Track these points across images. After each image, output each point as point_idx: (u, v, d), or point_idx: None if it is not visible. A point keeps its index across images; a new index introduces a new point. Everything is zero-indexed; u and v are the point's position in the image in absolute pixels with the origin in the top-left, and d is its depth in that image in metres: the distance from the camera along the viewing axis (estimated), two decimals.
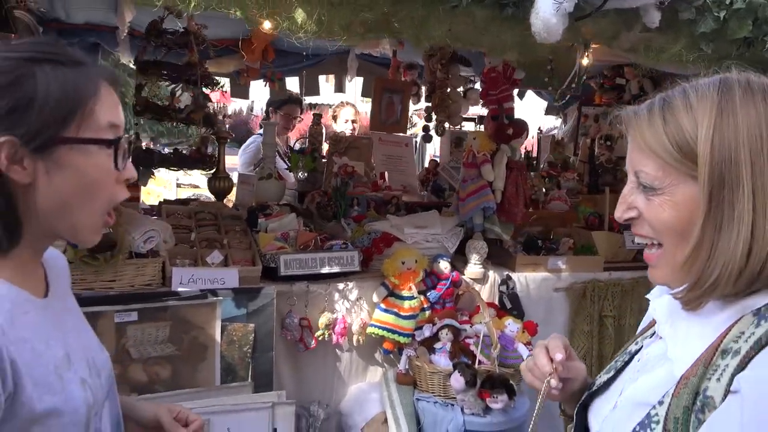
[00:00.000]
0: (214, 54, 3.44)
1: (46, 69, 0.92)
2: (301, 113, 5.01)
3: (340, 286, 2.63)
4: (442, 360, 2.54)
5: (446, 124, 4.05)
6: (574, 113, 5.21)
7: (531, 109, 5.97)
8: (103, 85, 0.98)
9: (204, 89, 3.19)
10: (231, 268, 2.43)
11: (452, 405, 2.46)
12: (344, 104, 4.92)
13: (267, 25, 2.21)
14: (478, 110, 4.77)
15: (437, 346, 2.58)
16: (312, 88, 4.83)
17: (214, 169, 3.25)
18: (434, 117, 4.04)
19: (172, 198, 4.67)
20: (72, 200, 0.95)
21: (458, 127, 4.27)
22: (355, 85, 4.99)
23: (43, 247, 1.04)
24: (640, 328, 1.21)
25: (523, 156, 4.03)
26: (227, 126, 3.45)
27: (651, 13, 2.25)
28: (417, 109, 5.29)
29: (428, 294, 2.74)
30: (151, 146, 3.75)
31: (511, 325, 2.66)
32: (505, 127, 2.93)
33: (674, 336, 0.99)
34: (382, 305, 2.65)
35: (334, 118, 4.84)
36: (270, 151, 3.27)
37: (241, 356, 2.41)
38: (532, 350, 1.27)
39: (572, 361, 1.19)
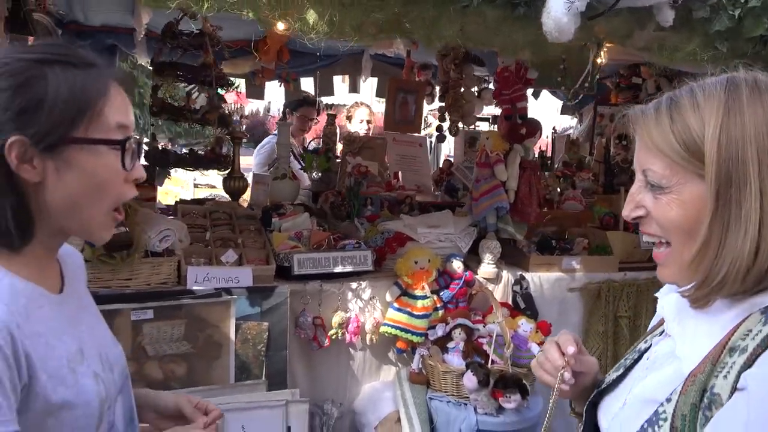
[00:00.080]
0: (229, 55, 3.48)
1: (57, 71, 0.95)
2: (317, 115, 5.04)
3: (354, 285, 2.65)
4: (455, 359, 2.54)
5: (460, 124, 4.05)
6: (589, 113, 5.18)
7: (546, 108, 5.95)
8: (113, 86, 1.00)
9: (219, 90, 3.23)
10: (245, 267, 2.46)
11: (465, 404, 2.46)
12: (359, 104, 4.93)
13: (281, 26, 2.23)
14: (493, 110, 4.76)
15: (450, 345, 2.58)
16: (326, 89, 4.85)
17: (229, 169, 3.28)
18: (448, 117, 4.04)
19: (189, 198, 4.72)
20: (81, 199, 0.97)
21: (472, 126, 4.26)
22: (369, 85, 5.00)
23: (57, 244, 1.06)
24: (650, 327, 1.21)
25: (537, 156, 4.04)
26: (244, 127, 3.48)
27: (664, 11, 2.24)
28: (432, 109, 5.29)
29: (441, 293, 2.75)
30: (169, 147, 3.79)
31: (525, 325, 2.66)
32: (518, 127, 2.92)
33: (682, 334, 1.00)
34: (395, 304, 2.66)
35: (349, 118, 4.85)
36: (284, 151, 3.30)
37: (255, 354, 2.43)
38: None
39: (583, 355, 1.20)
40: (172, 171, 6.28)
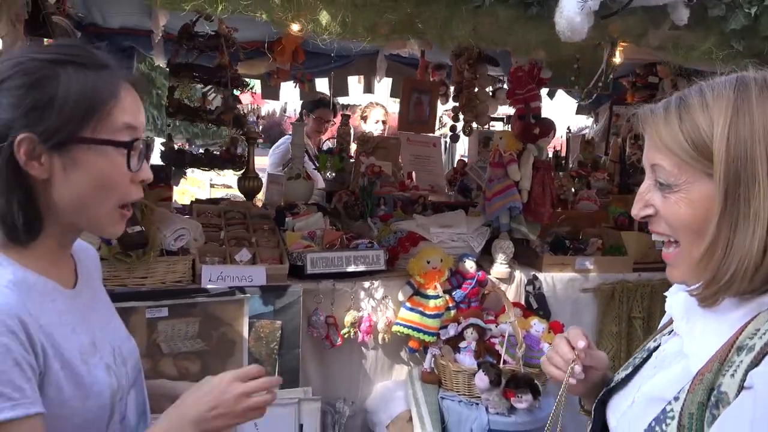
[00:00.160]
0: (244, 56, 3.51)
1: (70, 71, 0.97)
2: (334, 116, 5.05)
3: (366, 284, 2.66)
4: (467, 359, 2.55)
5: (474, 124, 4.05)
6: (605, 112, 5.15)
7: (561, 108, 5.92)
8: (123, 88, 1.02)
9: (234, 91, 3.26)
10: (259, 266, 2.48)
11: (477, 404, 2.46)
12: (374, 105, 4.94)
13: (295, 27, 2.25)
14: (507, 110, 4.75)
15: (462, 345, 2.59)
16: (341, 89, 4.87)
17: (244, 169, 3.31)
18: (462, 117, 4.04)
19: (205, 198, 4.76)
20: (87, 196, 1.00)
21: (486, 126, 4.25)
22: (384, 85, 5.02)
23: (69, 239, 1.08)
24: (660, 326, 1.21)
25: (551, 156, 4.02)
26: (260, 127, 3.51)
27: (679, 10, 2.22)
28: (447, 109, 5.29)
29: (453, 293, 2.75)
30: (186, 147, 3.83)
31: (537, 325, 2.66)
32: (531, 127, 2.91)
33: (690, 332, 1.00)
34: (408, 304, 2.67)
35: (364, 118, 4.86)
36: (298, 151, 3.32)
37: (268, 352, 2.45)
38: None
39: (592, 350, 1.20)
40: (189, 171, 6.33)
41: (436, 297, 2.64)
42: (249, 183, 3.27)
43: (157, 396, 1.05)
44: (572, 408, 1.33)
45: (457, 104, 4.07)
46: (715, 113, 0.92)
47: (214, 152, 3.46)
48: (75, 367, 0.97)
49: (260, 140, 4.25)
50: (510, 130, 3.18)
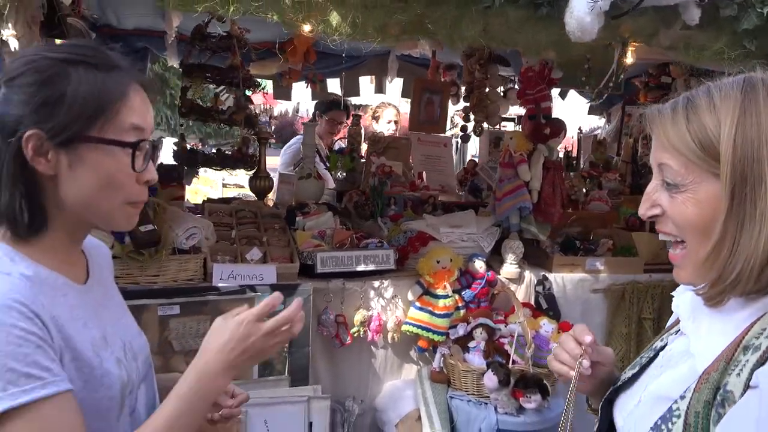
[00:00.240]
0: (256, 57, 3.54)
1: (80, 71, 0.99)
2: (347, 118, 5.07)
3: (376, 284, 2.67)
4: (476, 359, 2.55)
5: (485, 124, 4.05)
6: (618, 113, 5.12)
7: (574, 109, 5.89)
8: (132, 89, 1.03)
9: (246, 91, 3.28)
10: (269, 265, 2.50)
11: (485, 404, 2.47)
12: (387, 105, 4.95)
13: (306, 27, 2.26)
14: (518, 110, 4.74)
15: (471, 344, 2.59)
16: (352, 89, 4.88)
17: (255, 169, 3.33)
18: (472, 117, 4.04)
19: (217, 197, 4.79)
20: (93, 194, 1.01)
21: (497, 127, 4.25)
22: (395, 85, 5.03)
23: (80, 235, 1.10)
24: (667, 326, 1.22)
25: (562, 156, 4.01)
26: (273, 127, 3.53)
27: (691, 10, 2.21)
28: (458, 109, 5.29)
29: (463, 293, 2.76)
30: (199, 147, 3.87)
31: (546, 326, 2.66)
32: (542, 127, 2.91)
33: (697, 332, 1.01)
34: (417, 303, 2.68)
35: (376, 118, 4.87)
36: (309, 151, 3.33)
37: (278, 351, 2.47)
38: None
39: (598, 346, 1.21)
40: (201, 171, 6.38)
41: (446, 297, 2.65)
42: (260, 182, 3.29)
43: (170, 389, 1.06)
44: (579, 407, 1.33)
45: (468, 104, 4.08)
46: (722, 114, 0.93)
47: (226, 152, 3.49)
48: (86, 359, 0.99)
49: (272, 140, 4.28)
50: (520, 130, 3.18)
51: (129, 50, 4.02)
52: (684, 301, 1.08)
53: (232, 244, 2.64)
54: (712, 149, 0.92)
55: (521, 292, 2.93)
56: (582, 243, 3.19)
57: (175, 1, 2.05)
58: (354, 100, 5.35)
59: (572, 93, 5.05)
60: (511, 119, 5.81)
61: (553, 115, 3.04)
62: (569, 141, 4.86)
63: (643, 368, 1.13)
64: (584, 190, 3.90)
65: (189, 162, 3.37)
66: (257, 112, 3.64)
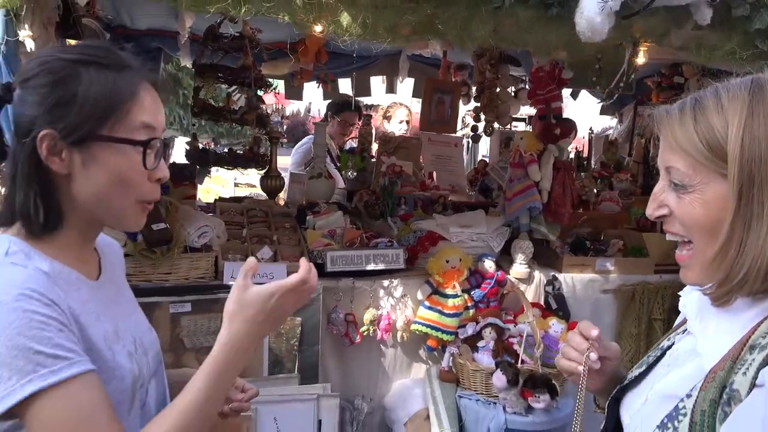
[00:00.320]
0: (268, 57, 3.56)
1: (92, 71, 1.01)
2: (359, 120, 5.08)
3: (385, 283, 2.68)
4: (485, 358, 2.56)
5: (495, 124, 4.04)
6: (630, 113, 5.10)
7: (585, 109, 5.87)
8: (143, 88, 1.05)
9: (258, 91, 3.31)
10: (280, 264, 2.52)
11: (494, 403, 2.47)
12: (398, 105, 4.96)
13: (318, 28, 2.28)
14: (529, 110, 4.72)
15: (480, 344, 2.60)
16: (363, 89, 4.90)
17: (266, 168, 3.36)
18: (483, 117, 4.04)
19: (229, 196, 4.82)
20: (106, 192, 1.03)
21: (508, 127, 4.25)
22: (406, 85, 5.03)
23: (93, 233, 1.13)
24: (674, 325, 1.22)
25: (573, 156, 3.99)
26: (285, 127, 3.55)
27: (702, 10, 2.20)
28: (469, 109, 5.29)
29: (472, 292, 2.77)
30: (211, 146, 3.89)
31: (555, 326, 2.66)
32: (552, 127, 2.91)
33: (704, 331, 1.01)
34: (426, 303, 2.68)
35: (388, 118, 4.88)
36: (320, 151, 3.35)
37: (288, 349, 2.49)
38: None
39: (604, 341, 1.22)
40: (214, 170, 6.43)
41: (455, 296, 2.66)
42: (271, 182, 3.32)
43: (181, 384, 1.08)
44: (587, 407, 1.34)
45: (478, 104, 4.08)
46: (729, 115, 0.93)
47: (238, 151, 3.51)
48: (99, 351, 1.01)
49: (284, 140, 4.30)
50: (531, 130, 3.18)
51: (142, 50, 4.05)
52: (691, 300, 1.09)
53: (243, 243, 2.66)
54: (719, 150, 0.93)
55: (531, 292, 2.93)
56: (592, 243, 3.19)
57: (187, 2, 2.07)
58: (365, 100, 5.36)
59: (584, 93, 5.03)
60: (522, 119, 5.79)
61: (565, 116, 3.03)
62: (580, 141, 4.84)
63: (650, 367, 1.13)
64: (595, 191, 3.89)
65: (201, 161, 3.40)
66: (269, 111, 3.65)
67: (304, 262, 1.12)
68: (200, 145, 3.56)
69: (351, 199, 3.42)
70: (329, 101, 5.04)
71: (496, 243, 2.94)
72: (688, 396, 0.93)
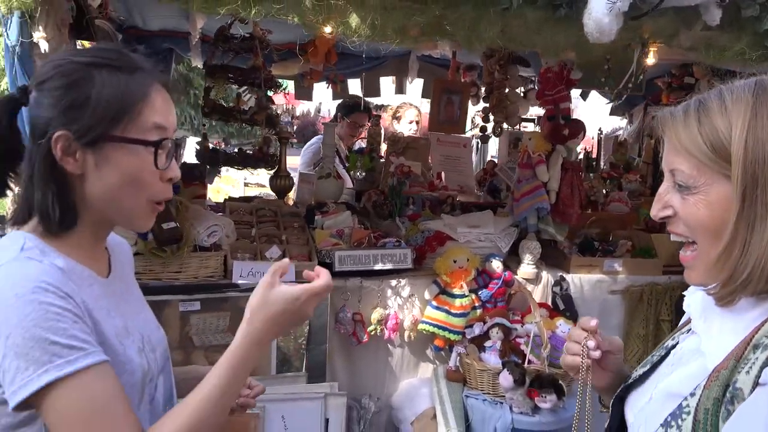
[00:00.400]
0: (278, 57, 3.58)
1: (104, 74, 1.03)
2: (368, 121, 5.09)
3: (393, 282, 2.70)
4: (491, 358, 2.56)
5: (504, 125, 4.04)
6: (640, 113, 5.08)
7: (595, 109, 5.86)
8: (155, 89, 1.08)
9: (268, 92, 3.33)
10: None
11: (501, 403, 2.47)
12: (408, 105, 4.97)
13: (327, 29, 2.29)
14: (538, 111, 4.72)
15: (487, 344, 2.60)
16: (372, 90, 4.91)
17: (276, 168, 3.38)
18: (492, 118, 4.04)
19: (239, 196, 4.85)
20: (118, 192, 1.06)
21: (517, 127, 4.25)
22: (416, 86, 5.04)
23: (104, 232, 1.15)
24: (679, 325, 1.23)
25: (582, 157, 3.98)
26: (295, 127, 3.57)
27: (711, 10, 2.20)
28: (478, 110, 5.29)
29: (480, 293, 2.77)
30: (222, 146, 3.93)
31: (563, 326, 2.65)
32: (561, 128, 2.91)
33: (708, 331, 1.02)
34: (434, 302, 2.69)
35: (397, 118, 4.89)
36: (329, 151, 3.37)
37: (296, 347, 2.51)
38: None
39: (606, 336, 1.22)
40: (224, 170, 6.47)
41: (462, 296, 2.67)
42: (281, 182, 3.34)
43: (189, 380, 1.10)
44: (593, 406, 1.35)
45: (487, 105, 4.08)
46: (733, 116, 0.94)
47: (248, 151, 3.54)
48: (111, 344, 1.03)
49: (294, 140, 4.32)
50: (540, 130, 3.18)
51: (154, 51, 4.09)
52: (695, 300, 1.10)
53: (252, 242, 2.68)
54: (723, 151, 0.93)
55: (538, 293, 2.94)
56: (600, 244, 3.18)
57: (199, 3, 2.09)
58: (375, 101, 5.37)
59: (594, 94, 5.02)
60: (531, 120, 5.79)
61: (574, 116, 3.03)
62: (589, 141, 4.83)
63: (655, 366, 1.14)
64: (604, 191, 3.88)
65: (211, 161, 3.43)
66: (279, 112, 3.68)
67: (321, 270, 1.15)
68: (210, 145, 3.60)
69: (359, 199, 3.44)
70: (339, 102, 5.06)
71: (504, 243, 2.95)
72: (692, 395, 0.94)
